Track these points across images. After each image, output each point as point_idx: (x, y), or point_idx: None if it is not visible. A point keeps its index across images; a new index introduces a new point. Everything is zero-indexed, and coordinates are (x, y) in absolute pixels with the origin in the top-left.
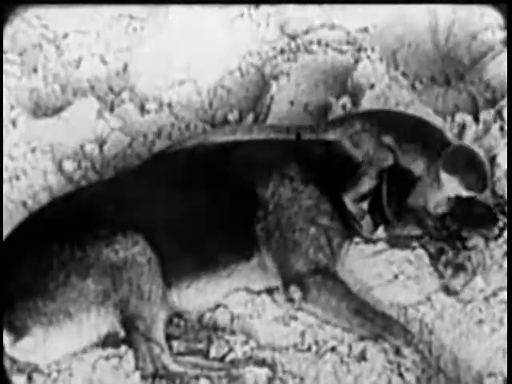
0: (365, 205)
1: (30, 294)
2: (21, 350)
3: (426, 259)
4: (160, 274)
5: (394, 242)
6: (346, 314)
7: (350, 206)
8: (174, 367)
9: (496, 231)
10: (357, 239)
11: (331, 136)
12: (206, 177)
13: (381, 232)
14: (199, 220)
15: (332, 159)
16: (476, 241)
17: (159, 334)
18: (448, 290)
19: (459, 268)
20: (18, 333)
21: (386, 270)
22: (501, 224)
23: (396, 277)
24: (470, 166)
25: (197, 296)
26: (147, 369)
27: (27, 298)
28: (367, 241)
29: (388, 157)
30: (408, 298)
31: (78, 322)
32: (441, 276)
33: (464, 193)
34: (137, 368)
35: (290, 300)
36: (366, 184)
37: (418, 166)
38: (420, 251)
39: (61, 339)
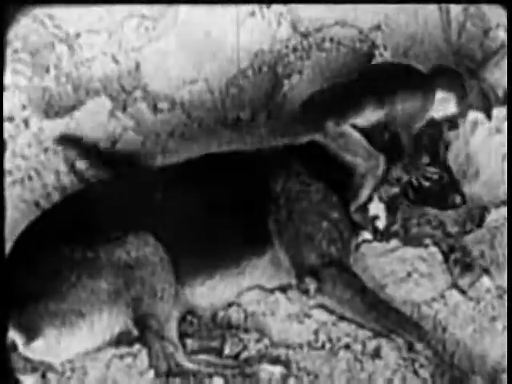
0: (367, 215)
1: (41, 295)
2: (34, 350)
3: (439, 256)
4: (172, 272)
5: (407, 240)
6: (361, 307)
7: (355, 217)
8: (188, 365)
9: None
10: (369, 238)
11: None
12: (218, 172)
13: (381, 224)
14: (211, 217)
15: (327, 159)
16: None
17: (172, 332)
18: (457, 288)
19: (467, 267)
20: (31, 334)
21: (399, 267)
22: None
23: (409, 274)
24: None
25: (210, 294)
26: (161, 367)
27: (39, 300)
28: (380, 239)
29: (379, 162)
30: (421, 295)
31: (91, 322)
32: (452, 273)
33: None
34: (150, 366)
35: (305, 292)
36: (364, 196)
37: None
38: (433, 249)
39: (74, 339)
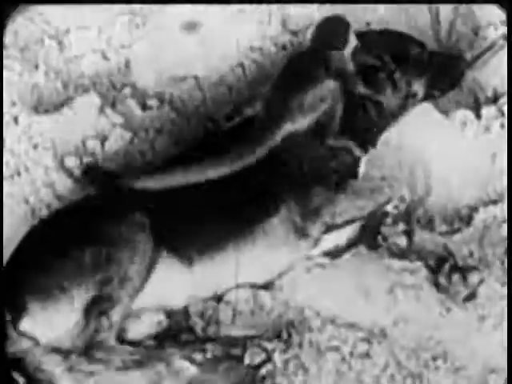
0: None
1: (30, 270)
2: (24, 329)
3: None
4: (148, 269)
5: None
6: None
7: (336, 144)
8: (112, 342)
9: None
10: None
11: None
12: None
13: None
14: (217, 190)
15: None
16: None
17: (116, 316)
18: (466, 299)
19: (468, 269)
20: (18, 311)
21: (386, 275)
22: None
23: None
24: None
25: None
26: (80, 341)
27: (27, 272)
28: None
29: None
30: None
31: (71, 296)
32: (441, 288)
33: None
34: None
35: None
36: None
37: None
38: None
39: (57, 315)
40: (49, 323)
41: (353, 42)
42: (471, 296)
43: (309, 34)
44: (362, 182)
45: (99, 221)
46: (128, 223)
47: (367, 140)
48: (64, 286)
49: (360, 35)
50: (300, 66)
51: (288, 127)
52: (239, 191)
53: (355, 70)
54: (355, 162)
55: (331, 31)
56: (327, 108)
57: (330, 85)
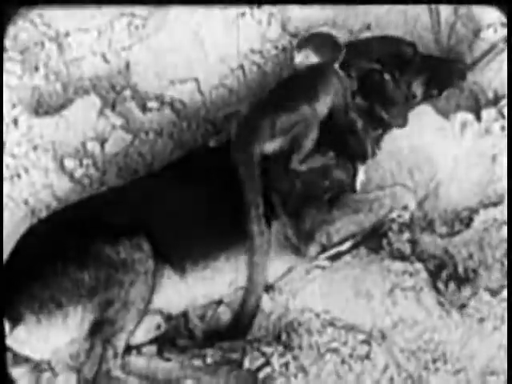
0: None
1: (27, 278)
2: (16, 339)
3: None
4: (151, 288)
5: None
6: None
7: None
8: (117, 373)
9: None
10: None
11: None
12: (211, 165)
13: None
14: (211, 202)
15: None
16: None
17: (121, 342)
18: (455, 306)
19: (463, 280)
20: (14, 319)
21: (385, 278)
22: None
23: (396, 285)
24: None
25: (215, 278)
26: (87, 372)
27: (25, 284)
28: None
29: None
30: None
31: (66, 313)
32: (439, 293)
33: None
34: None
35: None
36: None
37: None
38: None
39: (50, 330)
40: (42, 337)
41: (343, 53)
42: (462, 306)
43: (297, 59)
44: (361, 194)
45: (100, 242)
46: (127, 245)
47: (365, 150)
48: (61, 302)
49: (354, 44)
50: (284, 90)
51: (257, 150)
52: (232, 202)
53: (356, 78)
54: (352, 176)
55: (321, 47)
56: (297, 133)
57: (306, 111)
